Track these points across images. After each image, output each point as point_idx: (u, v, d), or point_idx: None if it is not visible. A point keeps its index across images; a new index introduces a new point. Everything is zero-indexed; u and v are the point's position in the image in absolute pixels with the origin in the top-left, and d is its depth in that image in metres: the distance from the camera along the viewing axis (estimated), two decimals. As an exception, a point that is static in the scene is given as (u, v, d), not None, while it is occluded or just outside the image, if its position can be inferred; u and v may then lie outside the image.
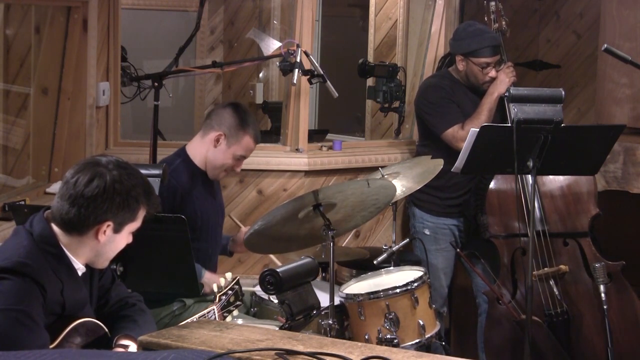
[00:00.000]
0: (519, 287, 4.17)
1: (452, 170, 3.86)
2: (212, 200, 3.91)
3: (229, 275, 3.15)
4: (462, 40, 4.39)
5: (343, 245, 4.79)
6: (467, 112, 4.40)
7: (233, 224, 4.25)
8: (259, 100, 6.30)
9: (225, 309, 3.08)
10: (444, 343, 3.81)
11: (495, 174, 4.19)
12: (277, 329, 3.14)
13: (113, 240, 2.61)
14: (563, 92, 3.59)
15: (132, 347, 2.69)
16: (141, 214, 2.63)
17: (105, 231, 2.56)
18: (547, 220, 4.19)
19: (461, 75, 4.47)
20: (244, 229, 3.98)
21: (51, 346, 2.49)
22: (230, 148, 3.81)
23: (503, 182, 4.22)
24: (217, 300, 3.06)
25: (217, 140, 3.80)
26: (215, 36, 6.39)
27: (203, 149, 3.83)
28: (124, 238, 2.64)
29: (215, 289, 3.08)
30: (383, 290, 3.51)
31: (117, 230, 2.59)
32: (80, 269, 2.63)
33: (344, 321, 3.60)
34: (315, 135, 5.21)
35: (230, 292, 3.09)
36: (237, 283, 3.14)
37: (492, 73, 4.36)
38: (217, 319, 3.03)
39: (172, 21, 6.34)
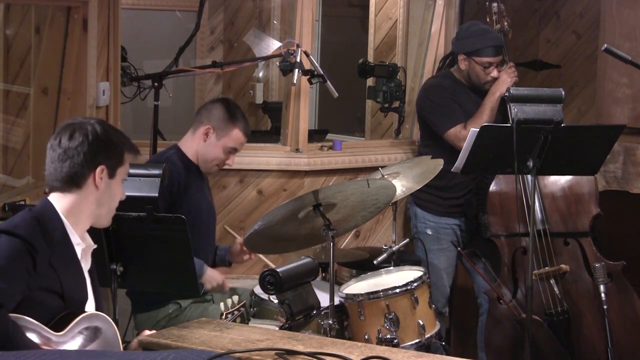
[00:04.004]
0: (519, 287, 4.17)
1: (452, 170, 3.86)
2: (205, 195, 3.93)
3: (235, 298, 3.15)
4: (465, 40, 4.40)
5: (342, 247, 4.78)
6: (468, 112, 4.40)
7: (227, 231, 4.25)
8: (259, 100, 6.30)
9: None
10: (444, 343, 3.81)
11: (495, 174, 4.19)
12: (277, 329, 3.14)
13: (110, 187, 2.70)
14: (563, 92, 3.59)
15: None
16: (127, 158, 2.74)
17: (101, 177, 2.66)
18: (547, 220, 4.19)
19: (463, 75, 4.47)
20: (239, 239, 3.99)
21: (62, 332, 2.50)
22: (219, 141, 3.83)
23: (504, 182, 4.22)
24: (223, 318, 3.05)
25: (206, 134, 3.83)
26: (215, 36, 6.39)
27: (194, 144, 3.86)
28: (119, 185, 2.74)
29: (222, 308, 3.07)
30: (383, 290, 3.51)
31: (111, 174, 2.69)
32: (78, 244, 2.67)
33: (344, 321, 3.60)
34: (315, 135, 5.21)
35: (237, 312, 3.08)
36: (244, 306, 3.13)
37: (494, 73, 4.36)
38: None
39: (172, 21, 6.34)
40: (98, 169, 2.65)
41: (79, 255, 2.68)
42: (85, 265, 2.72)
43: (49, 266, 2.54)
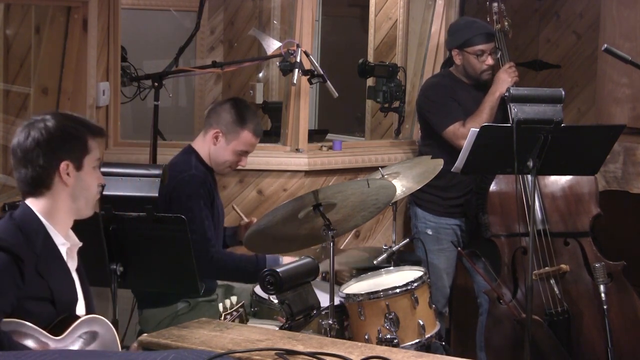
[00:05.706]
0: (519, 287, 4.17)
1: (452, 170, 3.86)
2: (219, 196, 3.96)
3: (234, 298, 3.15)
4: (455, 34, 4.44)
5: (342, 247, 4.78)
6: (468, 110, 4.40)
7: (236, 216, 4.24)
8: (259, 100, 6.30)
9: None
10: (443, 343, 3.81)
11: (495, 174, 4.19)
12: (277, 329, 3.14)
13: (81, 179, 2.63)
14: (563, 92, 3.60)
15: None
16: (92, 144, 2.66)
17: (68, 172, 2.60)
18: (548, 219, 4.19)
19: (460, 71, 4.48)
20: (244, 220, 4.02)
21: (61, 336, 2.49)
22: (229, 145, 3.83)
23: (504, 182, 4.22)
24: (222, 319, 3.04)
25: (215, 138, 3.83)
26: (215, 36, 6.39)
27: (206, 147, 3.87)
28: (91, 174, 2.66)
29: (221, 309, 3.07)
30: (383, 290, 3.51)
31: (78, 167, 2.62)
32: (63, 244, 2.63)
33: (344, 321, 3.60)
34: (315, 135, 5.21)
35: (235, 313, 3.08)
36: (243, 307, 3.13)
37: (489, 61, 4.38)
38: None
39: (172, 21, 6.34)
40: (62, 166, 2.58)
41: (65, 256, 2.64)
42: (72, 264, 2.68)
43: (36, 274, 2.51)
